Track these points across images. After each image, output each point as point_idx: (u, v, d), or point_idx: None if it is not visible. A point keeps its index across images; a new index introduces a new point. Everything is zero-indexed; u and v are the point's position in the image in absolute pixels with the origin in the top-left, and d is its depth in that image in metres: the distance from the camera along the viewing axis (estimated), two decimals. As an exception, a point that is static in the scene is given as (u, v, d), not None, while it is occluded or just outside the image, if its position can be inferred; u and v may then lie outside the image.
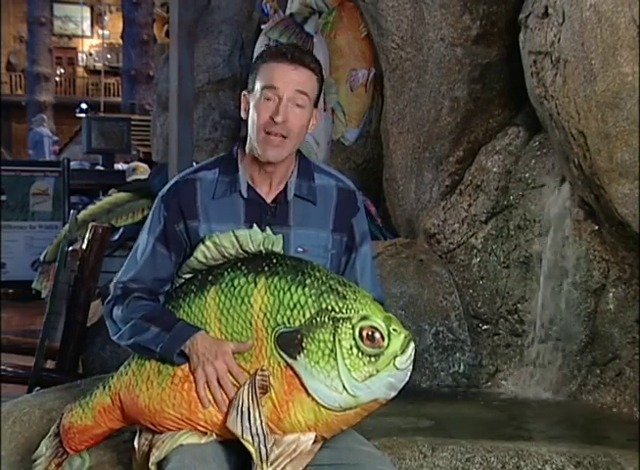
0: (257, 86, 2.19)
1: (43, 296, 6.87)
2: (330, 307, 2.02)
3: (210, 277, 2.12)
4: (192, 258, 2.15)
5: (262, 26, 6.09)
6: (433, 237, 4.26)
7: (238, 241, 2.10)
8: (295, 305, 2.03)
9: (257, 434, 1.98)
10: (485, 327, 4.02)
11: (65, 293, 5.14)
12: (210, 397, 2.06)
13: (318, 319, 2.01)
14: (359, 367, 1.98)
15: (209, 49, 8.10)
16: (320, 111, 2.30)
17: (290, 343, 2.00)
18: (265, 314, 2.04)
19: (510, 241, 3.99)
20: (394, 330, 2.00)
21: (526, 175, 3.99)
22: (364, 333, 1.99)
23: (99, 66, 31.85)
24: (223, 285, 2.09)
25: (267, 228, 2.11)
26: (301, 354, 1.99)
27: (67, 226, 6.45)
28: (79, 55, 33.74)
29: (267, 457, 1.97)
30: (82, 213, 6.91)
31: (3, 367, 5.05)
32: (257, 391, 2.00)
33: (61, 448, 2.30)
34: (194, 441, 2.09)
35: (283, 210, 2.23)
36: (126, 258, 2.28)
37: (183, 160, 4.91)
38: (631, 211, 3.30)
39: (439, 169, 4.37)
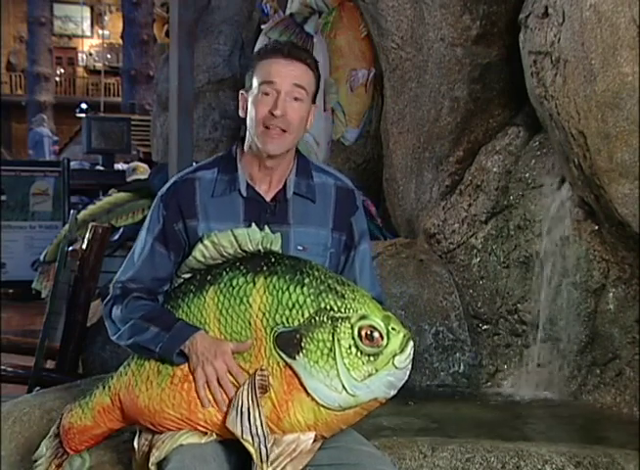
0: (255, 83, 2.20)
1: (43, 296, 6.87)
2: (329, 307, 2.01)
3: (209, 277, 2.12)
4: (190, 258, 2.15)
5: (262, 26, 6.09)
6: (433, 237, 4.26)
7: (236, 240, 2.09)
8: (293, 305, 2.03)
9: (257, 434, 1.98)
10: (485, 327, 4.02)
11: (65, 293, 5.14)
12: (210, 397, 2.06)
13: (317, 319, 2.01)
14: (358, 366, 1.98)
15: (209, 49, 8.11)
16: (317, 108, 2.30)
17: (289, 342, 2.00)
18: (264, 314, 2.04)
19: (510, 241, 3.99)
20: (393, 329, 2.00)
21: (526, 175, 3.98)
22: (363, 332, 1.99)
23: (99, 66, 31.85)
24: (222, 285, 2.09)
25: (266, 227, 2.11)
26: (300, 354, 1.99)
27: (67, 226, 6.45)
28: (79, 55, 33.74)
29: (267, 457, 1.97)
30: (82, 213, 6.91)
31: (3, 367, 5.05)
32: (257, 391, 2.00)
33: (61, 449, 2.30)
34: (194, 441, 2.08)
35: (282, 208, 2.23)
36: (126, 258, 2.29)
37: (183, 160, 4.91)
38: (631, 211, 3.30)
39: (439, 169, 4.37)
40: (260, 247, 2.09)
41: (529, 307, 3.87)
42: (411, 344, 2.01)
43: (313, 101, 2.25)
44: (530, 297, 3.87)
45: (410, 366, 2.01)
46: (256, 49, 3.08)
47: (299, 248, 2.20)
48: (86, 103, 25.43)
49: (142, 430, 2.20)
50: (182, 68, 5.03)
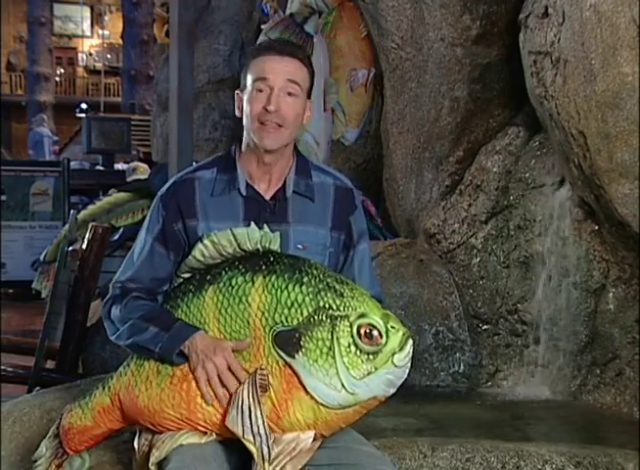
0: (249, 81, 2.21)
1: (43, 296, 6.87)
2: (327, 305, 2.01)
3: (209, 277, 2.12)
4: (190, 257, 2.15)
5: (262, 26, 6.09)
6: (433, 237, 4.26)
7: (236, 239, 2.10)
8: (292, 304, 2.02)
9: (259, 433, 1.97)
10: (485, 327, 4.02)
11: (65, 293, 5.14)
12: (212, 393, 2.05)
13: (316, 317, 2.01)
14: (357, 365, 1.98)
15: (209, 49, 8.10)
16: (311, 103, 2.31)
17: (288, 341, 2.00)
18: (263, 313, 2.04)
19: (510, 241, 3.99)
20: (392, 327, 2.00)
21: (526, 175, 3.98)
22: (362, 331, 1.98)
23: (99, 66, 31.85)
24: (221, 284, 2.09)
25: (265, 226, 2.12)
26: (300, 353, 1.99)
27: (67, 226, 6.45)
28: (79, 55, 33.74)
29: (269, 457, 1.97)
30: (82, 213, 6.91)
31: (3, 367, 5.05)
32: (258, 390, 1.99)
33: (61, 449, 2.30)
34: (194, 441, 2.08)
35: (282, 206, 2.23)
36: (126, 257, 2.29)
37: (183, 160, 4.91)
38: (631, 211, 3.30)
39: (439, 169, 4.37)
40: (259, 246, 2.09)
41: (529, 307, 3.87)
42: (410, 342, 2.00)
43: (309, 97, 2.26)
44: (530, 297, 3.87)
45: (409, 364, 2.01)
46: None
47: (299, 246, 2.20)
48: (86, 103, 25.43)
49: (142, 430, 2.20)
50: (182, 68, 5.03)
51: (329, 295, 2.02)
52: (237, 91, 2.28)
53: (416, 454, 2.56)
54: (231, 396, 2.03)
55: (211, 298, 2.10)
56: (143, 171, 9.06)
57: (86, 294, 5.05)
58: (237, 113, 2.28)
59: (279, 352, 2.01)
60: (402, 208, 4.69)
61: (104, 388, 2.24)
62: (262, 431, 1.97)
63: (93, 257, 5.06)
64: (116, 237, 7.37)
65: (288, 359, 2.00)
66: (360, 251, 2.32)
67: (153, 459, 2.10)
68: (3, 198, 9.43)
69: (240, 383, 2.02)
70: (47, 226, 9.49)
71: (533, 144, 4.03)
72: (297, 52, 2.25)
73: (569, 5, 3.38)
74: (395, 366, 1.99)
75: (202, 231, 2.17)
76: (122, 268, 2.26)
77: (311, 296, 2.02)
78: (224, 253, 2.11)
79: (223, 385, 2.04)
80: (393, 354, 1.98)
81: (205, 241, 2.12)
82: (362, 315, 2.00)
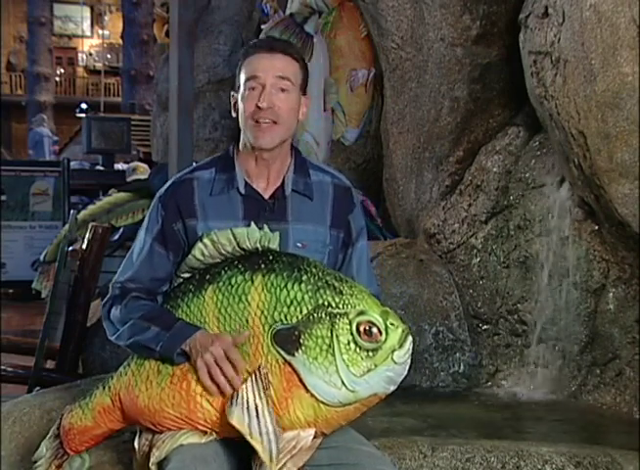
0: (241, 80, 2.22)
1: (43, 296, 6.87)
2: (327, 303, 2.01)
3: (208, 276, 2.12)
4: (190, 257, 2.15)
5: (262, 26, 6.10)
6: (433, 237, 4.26)
7: (235, 238, 2.10)
8: (291, 302, 2.03)
9: (267, 433, 1.96)
10: (485, 327, 4.02)
11: (65, 293, 5.14)
12: (215, 388, 2.04)
13: (315, 315, 2.01)
14: (357, 362, 1.98)
15: (209, 49, 8.10)
16: (309, 99, 2.31)
17: (287, 339, 2.00)
18: (262, 312, 2.04)
19: (510, 241, 3.99)
20: (392, 324, 2.00)
21: (526, 175, 3.98)
22: (361, 328, 1.98)
23: (99, 66, 31.85)
24: (221, 283, 2.10)
25: (264, 226, 2.12)
26: (299, 351, 1.99)
27: (67, 226, 6.46)
28: (79, 55, 33.74)
29: (277, 457, 1.96)
30: (82, 213, 6.91)
31: (3, 367, 5.05)
32: (264, 388, 1.99)
33: (61, 450, 2.30)
34: (194, 440, 2.08)
35: (281, 205, 2.23)
36: (125, 258, 2.29)
37: (183, 160, 4.91)
38: (631, 211, 3.30)
39: (439, 169, 4.37)
40: (259, 245, 2.10)
41: (529, 307, 3.87)
42: (410, 339, 2.00)
43: (304, 93, 2.26)
44: (530, 297, 3.87)
45: (409, 361, 2.01)
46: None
47: (298, 245, 2.20)
48: (86, 103, 25.42)
49: (142, 430, 2.20)
50: (182, 68, 5.03)
51: (328, 292, 2.03)
52: (232, 92, 2.28)
53: (416, 454, 2.56)
54: (231, 383, 2.02)
55: (211, 297, 2.10)
56: (143, 171, 9.06)
57: (86, 294, 5.05)
58: (232, 113, 2.28)
59: (279, 350, 2.01)
60: (402, 208, 4.69)
61: (104, 388, 2.24)
62: (272, 430, 1.96)
63: (93, 257, 5.06)
64: (116, 237, 7.38)
65: (287, 357, 2.00)
66: (358, 248, 2.32)
67: (153, 459, 2.10)
68: (3, 198, 9.44)
69: (238, 373, 2.01)
70: (47, 226, 9.49)
71: (533, 144, 4.03)
72: (288, 48, 2.25)
73: (569, 5, 3.38)
74: (395, 363, 1.98)
75: (201, 231, 2.17)
76: (122, 269, 2.26)
77: (310, 294, 2.02)
78: (223, 252, 2.12)
79: (224, 374, 2.03)
80: (393, 351, 1.98)
81: (205, 240, 2.12)
82: (361, 313, 2.00)
